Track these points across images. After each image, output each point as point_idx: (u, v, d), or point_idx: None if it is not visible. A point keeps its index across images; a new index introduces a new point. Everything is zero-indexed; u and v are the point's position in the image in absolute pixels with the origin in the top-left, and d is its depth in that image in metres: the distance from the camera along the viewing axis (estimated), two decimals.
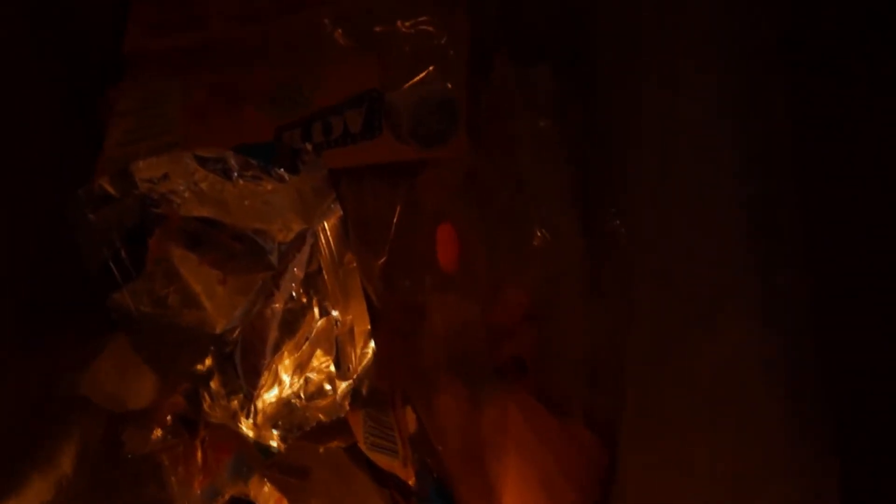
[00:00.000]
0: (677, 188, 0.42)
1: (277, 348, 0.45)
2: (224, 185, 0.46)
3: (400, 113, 0.49)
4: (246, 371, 0.45)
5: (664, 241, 0.42)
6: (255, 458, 0.47)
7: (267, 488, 0.47)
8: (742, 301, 0.36)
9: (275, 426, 0.46)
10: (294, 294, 0.46)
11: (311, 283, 0.46)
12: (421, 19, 0.50)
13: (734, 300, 0.37)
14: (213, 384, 0.45)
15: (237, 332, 0.45)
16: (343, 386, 0.46)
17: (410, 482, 0.47)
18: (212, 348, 0.45)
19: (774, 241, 0.35)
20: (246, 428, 0.45)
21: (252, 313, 0.45)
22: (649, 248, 0.44)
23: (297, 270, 0.46)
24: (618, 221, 0.46)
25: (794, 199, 0.34)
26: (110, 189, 0.45)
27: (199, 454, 0.47)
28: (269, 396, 0.45)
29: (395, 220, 0.48)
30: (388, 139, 0.49)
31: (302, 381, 0.46)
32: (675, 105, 0.41)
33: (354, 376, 0.46)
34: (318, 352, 0.46)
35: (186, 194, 0.46)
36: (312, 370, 0.46)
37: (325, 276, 0.46)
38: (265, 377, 0.45)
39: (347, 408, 0.46)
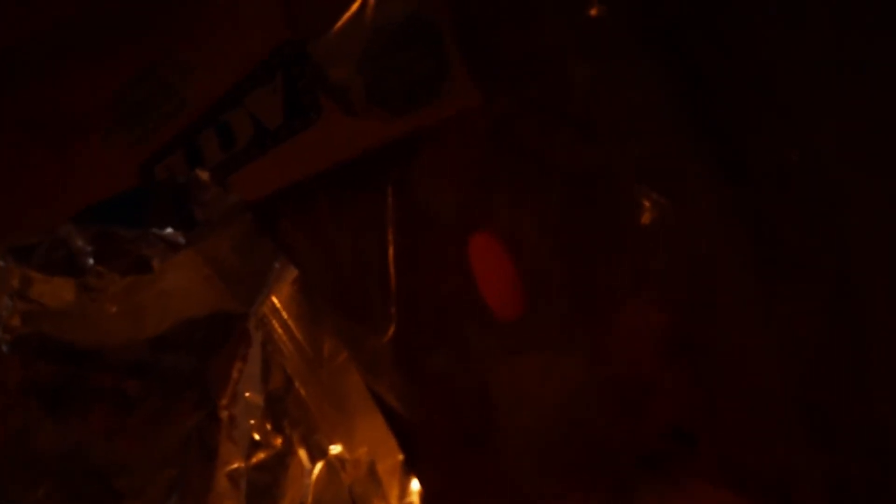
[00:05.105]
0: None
1: None
2: (76, 285, 0.37)
3: (344, 70, 0.40)
4: None
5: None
6: None
7: None
8: None
9: None
10: (258, 437, 0.37)
11: (281, 409, 0.37)
12: None
13: None
14: None
15: None
16: None
17: None
18: None
19: None
20: None
21: (193, 494, 0.36)
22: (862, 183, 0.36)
23: (252, 394, 0.37)
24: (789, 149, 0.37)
25: None
26: None
27: None
28: None
29: (390, 254, 0.40)
30: (336, 119, 0.40)
31: None
32: None
33: None
34: None
35: (16, 321, 0.37)
36: None
37: (301, 391, 0.38)
38: None
39: None
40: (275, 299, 0.38)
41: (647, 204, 0.39)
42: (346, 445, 0.38)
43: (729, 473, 0.39)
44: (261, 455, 0.37)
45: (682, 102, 0.41)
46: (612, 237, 0.40)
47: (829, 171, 0.39)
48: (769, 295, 0.40)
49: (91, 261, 0.37)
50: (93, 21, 0.44)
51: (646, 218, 0.39)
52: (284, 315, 0.38)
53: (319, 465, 0.38)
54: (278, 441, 0.37)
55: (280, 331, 0.38)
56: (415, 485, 0.38)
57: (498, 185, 0.41)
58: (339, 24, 0.40)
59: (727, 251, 0.40)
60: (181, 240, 0.37)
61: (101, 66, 0.43)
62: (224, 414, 0.37)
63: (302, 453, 0.38)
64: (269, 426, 0.37)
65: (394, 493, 0.39)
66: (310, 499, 0.38)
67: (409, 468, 0.39)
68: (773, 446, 0.39)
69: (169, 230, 0.37)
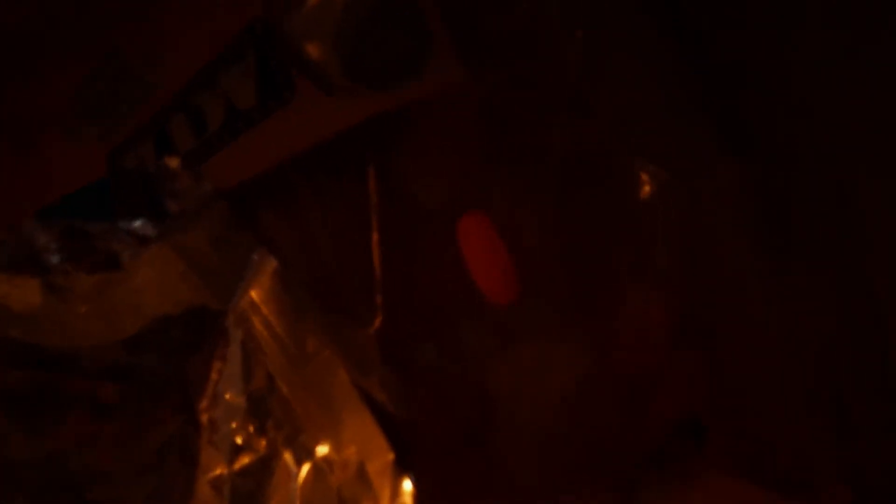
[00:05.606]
0: None
1: None
2: (41, 284, 0.36)
3: (320, 46, 0.36)
4: None
5: None
6: None
7: None
8: None
9: None
10: (240, 440, 0.36)
11: (264, 409, 0.36)
12: None
13: None
14: None
15: None
16: None
17: None
18: None
19: None
20: None
21: (174, 503, 0.35)
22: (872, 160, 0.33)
23: (232, 395, 0.36)
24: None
25: None
26: None
27: None
28: None
29: (374, 241, 0.38)
30: (312, 98, 0.37)
31: None
32: None
33: None
34: None
35: None
36: None
37: (285, 390, 0.37)
38: None
39: None
40: (254, 294, 0.37)
41: (645, 177, 0.35)
42: (334, 446, 0.37)
43: (742, 465, 0.36)
44: (244, 460, 0.36)
45: (683, 74, 0.36)
46: (612, 220, 0.36)
47: (839, 147, 0.34)
48: (778, 278, 0.35)
49: (56, 258, 0.35)
50: (51, 12, 0.41)
51: (644, 192, 0.35)
52: (265, 310, 0.37)
53: (306, 468, 0.37)
54: (262, 444, 0.36)
55: (260, 327, 0.37)
56: (407, 485, 0.37)
57: (490, 167, 0.38)
58: None
59: (733, 231, 0.36)
60: (152, 233, 0.36)
61: (62, 58, 0.41)
62: (204, 417, 0.35)
63: (287, 456, 0.36)
64: (251, 429, 0.36)
65: (385, 495, 0.37)
66: (297, 502, 0.36)
67: (402, 467, 0.37)
68: (787, 435, 0.36)
69: (138, 223, 0.36)
